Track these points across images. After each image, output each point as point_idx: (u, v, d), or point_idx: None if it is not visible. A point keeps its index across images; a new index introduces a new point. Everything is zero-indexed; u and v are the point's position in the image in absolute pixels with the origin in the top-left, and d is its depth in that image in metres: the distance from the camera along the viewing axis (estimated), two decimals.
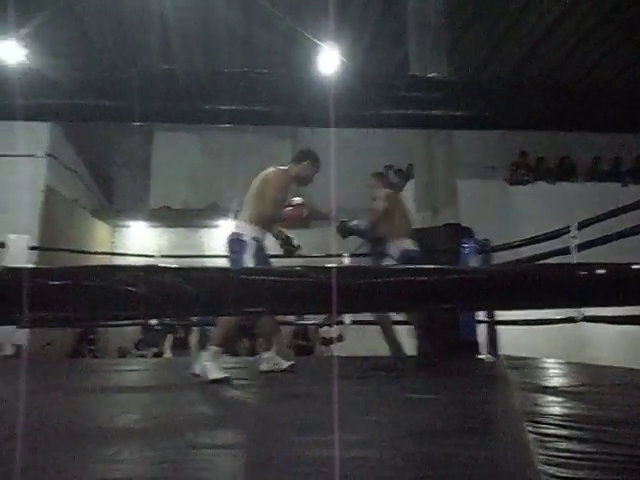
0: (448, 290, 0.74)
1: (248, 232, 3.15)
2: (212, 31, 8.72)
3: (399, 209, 4.00)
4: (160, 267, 0.63)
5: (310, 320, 6.75)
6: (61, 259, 6.61)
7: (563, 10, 7.96)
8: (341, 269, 0.66)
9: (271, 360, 3.22)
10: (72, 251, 6.47)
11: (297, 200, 3.41)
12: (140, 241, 10.39)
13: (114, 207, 11.36)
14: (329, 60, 6.31)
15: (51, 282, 0.66)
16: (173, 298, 0.63)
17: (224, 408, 2.05)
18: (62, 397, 2.30)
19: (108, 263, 8.50)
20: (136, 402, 2.25)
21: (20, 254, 5.03)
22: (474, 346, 4.51)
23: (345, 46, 6.75)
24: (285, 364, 3.22)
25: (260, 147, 10.84)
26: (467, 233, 4.88)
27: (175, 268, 0.64)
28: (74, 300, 0.66)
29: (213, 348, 2.88)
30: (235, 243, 3.14)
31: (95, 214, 10.13)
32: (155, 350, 7.96)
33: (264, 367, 3.20)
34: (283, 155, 11.04)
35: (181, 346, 7.97)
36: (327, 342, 7.81)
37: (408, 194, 6.87)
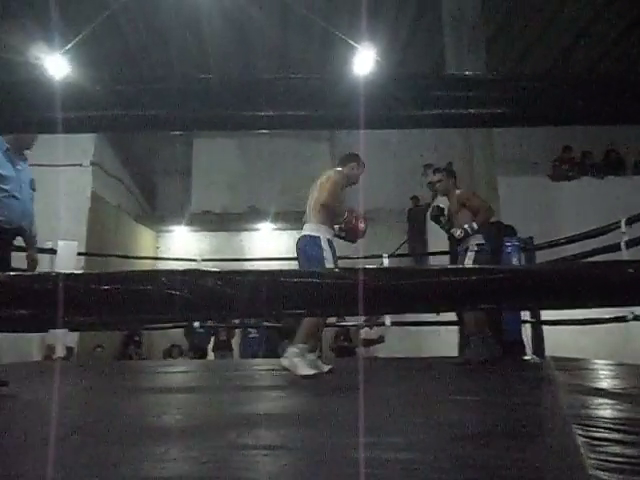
0: (486, 290, 0.73)
1: (323, 234, 3.28)
2: (249, 38, 8.84)
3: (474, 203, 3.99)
4: (201, 271, 0.65)
5: (351, 322, 6.74)
6: (108, 264, 6.84)
7: (603, 3, 7.70)
8: (376, 270, 0.66)
9: (313, 362, 3.20)
10: (118, 256, 6.66)
11: (359, 213, 3.51)
12: (183, 245, 10.63)
13: (157, 213, 11.69)
14: (365, 61, 6.29)
15: (99, 287, 0.69)
16: (214, 301, 0.64)
17: (267, 408, 2.07)
18: (112, 397, 2.38)
19: (152, 267, 8.74)
20: (181, 402, 2.30)
21: (69, 259, 5.24)
22: (519, 347, 4.41)
23: (381, 46, 6.72)
24: (325, 368, 3.20)
25: (297, 150, 10.92)
26: (509, 231, 4.77)
27: (215, 272, 0.66)
28: (120, 304, 0.69)
29: (300, 345, 3.01)
30: (312, 245, 3.26)
31: (139, 220, 10.43)
32: (199, 352, 8.10)
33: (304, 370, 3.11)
34: (321, 158, 11.10)
35: (224, 348, 8.10)
36: (368, 343, 7.77)
37: None
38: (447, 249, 5.39)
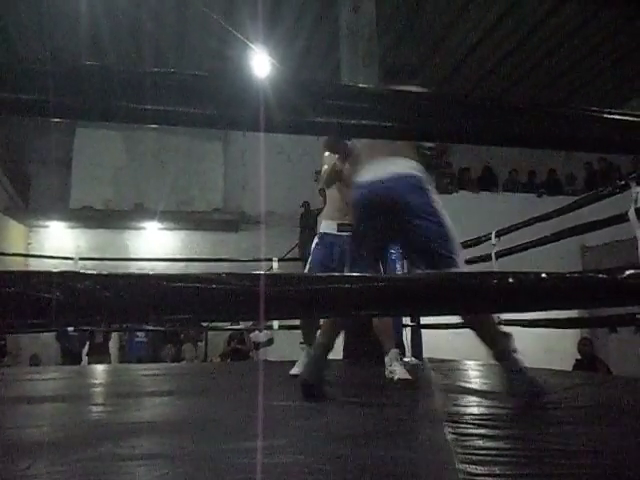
0: (367, 298, 0.75)
1: (320, 229, 3.28)
2: (144, 28, 8.44)
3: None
4: (76, 273, 0.60)
5: (242, 325, 6.68)
6: None
7: (493, 23, 8.35)
8: (262, 276, 0.65)
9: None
10: None
11: None
12: (59, 243, 9.87)
13: (30, 206, 10.70)
14: (262, 64, 6.29)
15: None
16: (90, 306, 0.60)
17: (149, 416, 1.97)
18: None
19: (23, 266, 8.00)
20: (50, 412, 2.12)
21: None
22: (400, 349, 4.63)
23: (278, 50, 6.76)
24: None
25: (189, 148, 10.63)
26: None
27: (92, 274, 0.62)
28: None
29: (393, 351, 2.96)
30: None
31: (7, 213, 9.51)
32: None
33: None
34: (213, 157, 10.91)
35: (100, 352, 7.62)
36: (257, 346, 7.76)
37: None
38: None
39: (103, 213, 10.00)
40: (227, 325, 6.70)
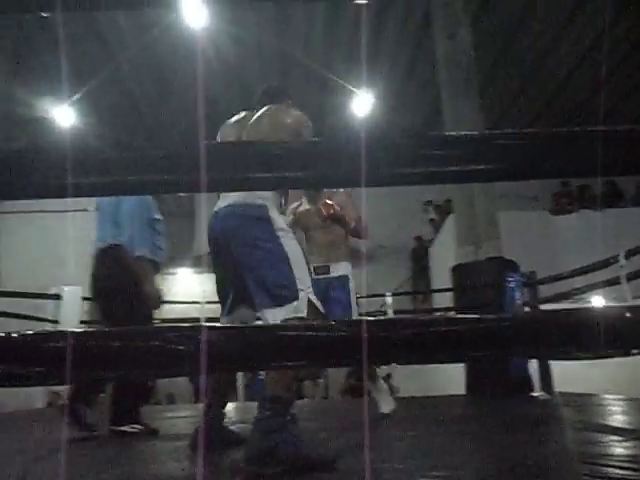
0: (489, 338, 0.75)
1: None
2: (250, 88, 9.09)
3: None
4: (204, 326, 0.68)
5: None
6: None
7: (590, 43, 7.95)
8: (368, 322, 0.69)
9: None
10: None
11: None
12: (186, 287, 10.64)
13: None
14: (362, 105, 6.44)
15: (105, 343, 0.73)
16: (218, 357, 0.68)
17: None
18: (112, 443, 2.36)
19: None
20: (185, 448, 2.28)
21: (74, 305, 5.25)
22: (527, 383, 4.36)
23: (376, 91, 6.91)
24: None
25: None
26: (512, 266, 4.78)
27: (218, 327, 0.70)
28: (128, 360, 0.72)
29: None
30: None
31: None
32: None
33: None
34: None
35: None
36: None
37: (449, 230, 6.82)
38: (450, 286, 5.41)
39: None
40: None
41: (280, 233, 1.79)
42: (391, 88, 8.66)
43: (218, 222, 1.93)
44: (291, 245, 1.79)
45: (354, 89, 6.35)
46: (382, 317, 4.93)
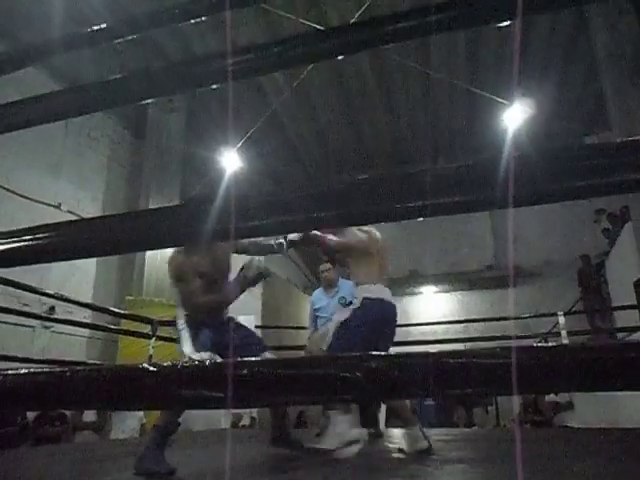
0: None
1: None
2: (400, 116, 9.23)
3: None
4: (371, 355, 0.73)
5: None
6: (281, 334, 7.33)
7: None
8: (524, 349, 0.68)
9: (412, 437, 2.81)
10: (290, 327, 7.11)
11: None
12: None
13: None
14: (514, 115, 6.15)
15: (276, 371, 0.81)
16: (383, 383, 0.72)
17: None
18: (290, 463, 2.51)
19: None
20: (344, 468, 2.34)
21: None
22: None
23: (529, 98, 6.55)
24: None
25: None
26: None
27: (383, 355, 0.74)
28: (299, 387, 0.80)
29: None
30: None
31: (306, 291, 11.06)
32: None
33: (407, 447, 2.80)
34: (479, 217, 10.84)
35: (395, 416, 8.00)
36: (554, 409, 7.04)
37: (626, 240, 6.14)
38: (634, 303, 4.84)
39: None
40: None
41: None
42: (545, 95, 8.14)
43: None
44: None
45: (504, 102, 6.09)
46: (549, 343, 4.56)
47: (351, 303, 4.21)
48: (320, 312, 4.26)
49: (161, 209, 0.96)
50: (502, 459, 2.63)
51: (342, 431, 2.63)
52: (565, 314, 5.22)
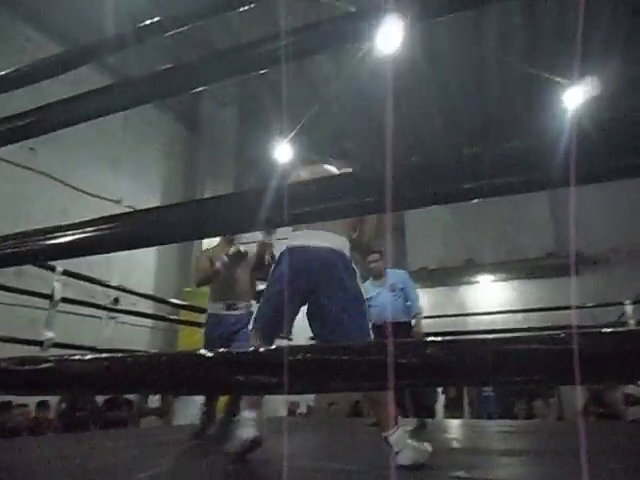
0: None
1: None
2: (451, 102, 9.01)
3: None
4: (427, 342, 0.72)
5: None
6: None
7: None
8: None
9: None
10: None
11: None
12: None
13: None
14: (575, 97, 5.86)
15: (328, 357, 0.81)
16: (439, 370, 0.71)
17: (499, 475, 1.97)
18: (344, 451, 2.52)
19: None
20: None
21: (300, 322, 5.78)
22: None
23: (594, 76, 6.22)
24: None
25: (512, 196, 10.44)
26: None
27: (438, 341, 0.73)
28: (347, 372, 0.80)
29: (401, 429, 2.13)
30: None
31: (360, 281, 11.02)
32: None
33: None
34: (537, 202, 10.45)
35: (454, 407, 7.93)
36: (632, 402, 6.65)
37: None
38: None
39: (438, 272, 10.63)
40: None
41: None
42: (608, 70, 7.71)
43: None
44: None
45: (564, 81, 5.81)
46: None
47: (402, 290, 4.17)
48: (370, 302, 4.20)
49: (215, 198, 0.97)
50: (565, 452, 2.54)
51: (245, 429, 2.18)
52: (633, 303, 4.97)
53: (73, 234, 1.02)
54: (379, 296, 4.14)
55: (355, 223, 2.47)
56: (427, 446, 2.08)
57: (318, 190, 0.87)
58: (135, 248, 1.01)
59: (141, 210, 0.99)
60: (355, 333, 2.15)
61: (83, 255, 1.05)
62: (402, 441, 2.05)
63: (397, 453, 2.04)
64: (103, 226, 0.99)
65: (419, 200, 0.85)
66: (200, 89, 1.17)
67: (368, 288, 4.24)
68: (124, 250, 1.01)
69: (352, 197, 0.84)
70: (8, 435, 4.47)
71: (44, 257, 1.22)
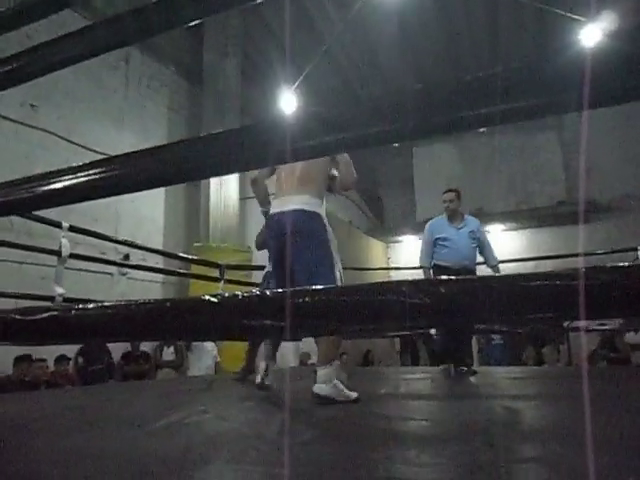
0: None
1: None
2: (457, 34, 8.69)
3: None
4: (439, 280, 0.68)
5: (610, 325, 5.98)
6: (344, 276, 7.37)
7: None
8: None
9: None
10: (354, 269, 7.12)
11: None
12: (411, 255, 10.84)
13: (385, 225, 12.17)
14: (589, 34, 5.61)
15: (346, 299, 0.77)
16: (452, 309, 0.67)
17: (514, 419, 1.98)
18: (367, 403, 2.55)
19: (386, 277, 9.13)
20: (426, 409, 2.35)
21: None
22: None
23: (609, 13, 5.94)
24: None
25: (521, 144, 10.24)
26: None
27: (451, 280, 0.69)
28: (364, 314, 0.76)
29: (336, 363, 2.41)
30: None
31: (369, 233, 10.98)
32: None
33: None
34: (548, 148, 10.22)
35: None
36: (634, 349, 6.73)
37: None
38: None
39: None
40: (590, 326, 6.08)
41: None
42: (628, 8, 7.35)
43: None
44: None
45: (581, 18, 5.55)
46: None
47: (478, 239, 4.06)
48: (444, 242, 4.04)
49: (219, 134, 0.93)
50: (574, 396, 2.55)
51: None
52: None
53: (68, 179, 0.98)
54: (454, 238, 4.00)
55: (327, 171, 2.70)
56: (351, 394, 2.31)
57: (322, 122, 0.81)
58: (133, 192, 0.97)
59: (139, 150, 0.95)
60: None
61: (80, 201, 1.01)
62: (326, 377, 2.29)
63: (315, 383, 2.29)
64: (97, 170, 0.95)
65: (425, 129, 0.79)
66: (192, 24, 1.10)
67: (440, 225, 4.10)
68: (121, 194, 0.97)
69: (356, 128, 0.78)
70: (27, 388, 4.59)
71: (36, 206, 1.19)
